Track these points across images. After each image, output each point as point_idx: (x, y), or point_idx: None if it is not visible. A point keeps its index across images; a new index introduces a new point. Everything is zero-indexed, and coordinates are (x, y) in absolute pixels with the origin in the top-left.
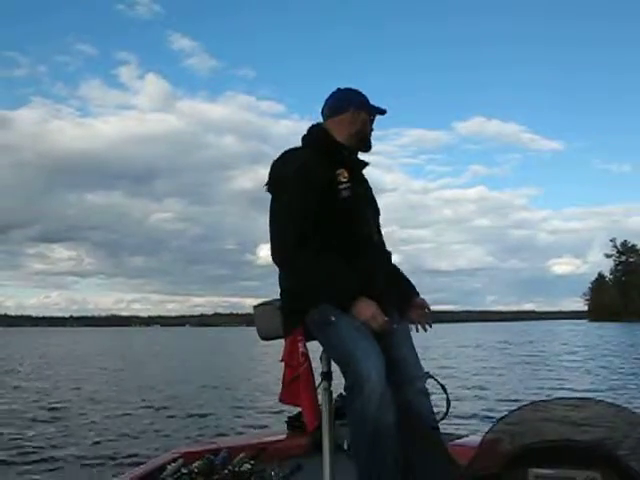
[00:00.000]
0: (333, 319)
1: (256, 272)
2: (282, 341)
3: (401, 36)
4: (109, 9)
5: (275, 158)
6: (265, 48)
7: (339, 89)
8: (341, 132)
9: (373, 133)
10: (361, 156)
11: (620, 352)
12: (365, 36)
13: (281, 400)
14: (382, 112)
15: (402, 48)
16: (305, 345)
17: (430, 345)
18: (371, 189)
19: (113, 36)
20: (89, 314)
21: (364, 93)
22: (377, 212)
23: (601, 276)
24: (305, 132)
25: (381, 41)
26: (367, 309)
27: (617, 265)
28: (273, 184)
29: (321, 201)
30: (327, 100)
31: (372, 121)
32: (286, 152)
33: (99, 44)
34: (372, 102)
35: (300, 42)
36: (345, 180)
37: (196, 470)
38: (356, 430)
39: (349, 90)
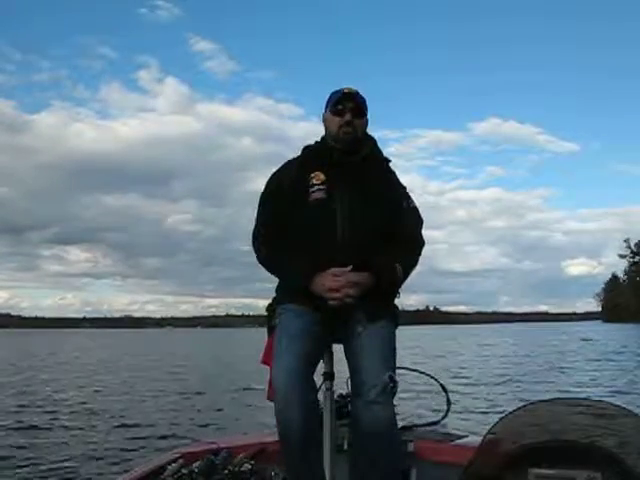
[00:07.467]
0: (277, 322)
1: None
2: None
3: (419, 37)
4: (131, 13)
5: None
6: (284, 51)
7: None
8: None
9: (388, 134)
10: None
11: None
12: (383, 38)
13: (268, 398)
14: (338, 101)
15: (420, 49)
16: None
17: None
18: (373, 190)
19: (133, 39)
20: (102, 315)
21: (338, 90)
22: (366, 214)
23: (615, 277)
24: None
25: (398, 43)
26: (320, 283)
27: (631, 265)
28: None
29: (292, 204)
30: None
31: (345, 119)
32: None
33: (120, 48)
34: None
35: (320, 44)
36: (318, 183)
37: (196, 470)
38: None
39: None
